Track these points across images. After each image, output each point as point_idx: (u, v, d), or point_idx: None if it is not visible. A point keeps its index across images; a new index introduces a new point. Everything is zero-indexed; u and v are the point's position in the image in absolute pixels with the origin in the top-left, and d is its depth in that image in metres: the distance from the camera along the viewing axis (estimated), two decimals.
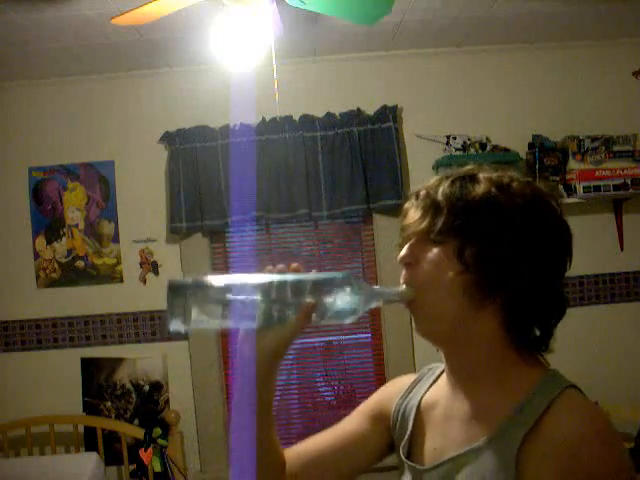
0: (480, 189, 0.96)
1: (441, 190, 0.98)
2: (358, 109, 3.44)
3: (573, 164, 3.37)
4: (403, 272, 1.03)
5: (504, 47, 3.49)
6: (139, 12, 2.12)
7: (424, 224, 0.98)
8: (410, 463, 1.10)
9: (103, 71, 3.46)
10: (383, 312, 3.51)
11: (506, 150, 3.42)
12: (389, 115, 3.41)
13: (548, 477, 0.88)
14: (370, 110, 3.44)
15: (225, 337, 3.52)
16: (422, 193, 1.01)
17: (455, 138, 3.43)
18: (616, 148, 3.41)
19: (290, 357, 3.68)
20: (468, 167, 1.03)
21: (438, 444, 1.05)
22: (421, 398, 1.16)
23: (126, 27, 2.67)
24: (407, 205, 1.05)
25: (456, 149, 3.42)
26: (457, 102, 3.51)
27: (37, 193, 3.51)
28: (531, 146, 3.43)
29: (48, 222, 3.51)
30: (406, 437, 1.13)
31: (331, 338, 3.63)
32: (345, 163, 3.38)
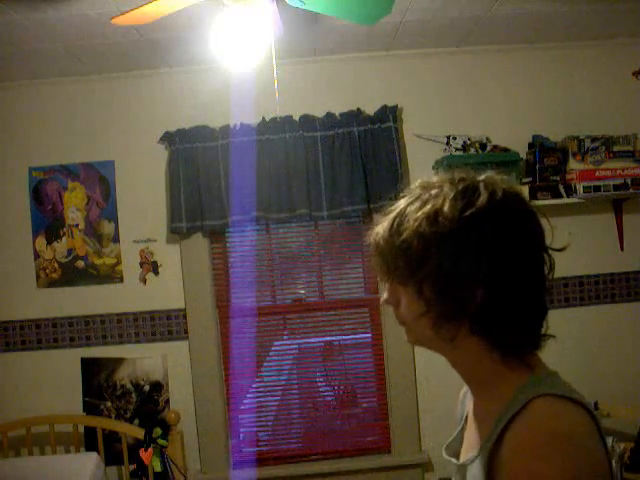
0: (409, 228, 0.99)
1: (379, 234, 1.05)
2: (358, 109, 3.44)
3: (573, 164, 3.37)
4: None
5: (504, 47, 3.49)
6: (139, 12, 2.12)
7: (382, 272, 1.06)
8: (450, 459, 1.19)
9: (103, 71, 3.46)
10: (383, 312, 3.51)
11: (506, 150, 3.42)
12: (389, 115, 3.41)
13: None
14: (370, 110, 3.44)
15: (225, 337, 3.53)
16: (372, 239, 1.06)
17: (455, 138, 3.43)
18: (616, 148, 3.40)
19: (291, 357, 3.69)
20: (407, 196, 1.08)
21: (465, 442, 1.16)
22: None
23: (126, 27, 2.67)
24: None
25: (456, 149, 3.42)
26: (457, 102, 3.51)
27: (37, 193, 3.51)
28: (531, 146, 3.44)
29: (48, 222, 3.51)
30: (453, 436, 1.23)
31: (331, 338, 3.62)
32: (345, 163, 3.38)
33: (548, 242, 1.03)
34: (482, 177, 1.02)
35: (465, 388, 1.24)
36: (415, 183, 1.10)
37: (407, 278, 1.01)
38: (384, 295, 1.08)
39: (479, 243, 0.96)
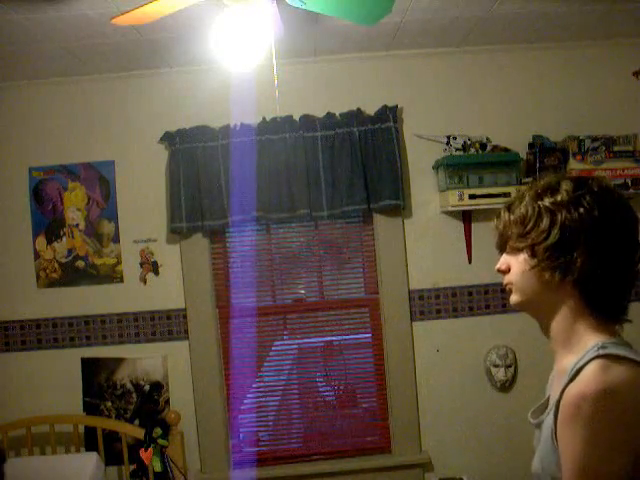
0: (526, 205, 1.26)
1: (502, 215, 1.32)
2: (358, 109, 3.44)
3: (573, 164, 3.37)
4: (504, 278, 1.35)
5: (504, 47, 3.49)
6: (139, 12, 2.11)
7: (502, 244, 1.34)
8: (529, 419, 1.35)
9: (103, 71, 3.46)
10: (383, 312, 3.51)
11: (506, 150, 3.42)
12: (389, 115, 3.41)
13: (559, 435, 1.16)
14: (370, 110, 3.44)
15: (225, 337, 3.53)
16: (495, 220, 1.35)
17: (455, 138, 3.43)
18: (616, 148, 3.40)
19: (291, 357, 3.69)
20: (525, 188, 1.32)
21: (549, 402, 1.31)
22: None
23: (126, 27, 2.67)
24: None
25: (456, 149, 3.42)
26: (457, 102, 3.51)
27: (37, 193, 3.51)
28: (531, 146, 3.43)
29: (48, 222, 3.51)
30: (537, 404, 1.37)
31: (331, 338, 3.62)
32: (345, 163, 3.38)
33: None
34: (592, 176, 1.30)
35: (551, 375, 1.42)
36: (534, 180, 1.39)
37: (522, 241, 1.26)
38: (498, 264, 1.35)
39: (587, 215, 1.19)
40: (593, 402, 1.08)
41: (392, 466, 3.48)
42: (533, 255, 1.24)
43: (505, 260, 1.33)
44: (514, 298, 1.32)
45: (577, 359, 1.18)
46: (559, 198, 1.22)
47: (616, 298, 1.23)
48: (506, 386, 3.48)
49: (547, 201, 1.23)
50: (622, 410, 1.09)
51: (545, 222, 1.22)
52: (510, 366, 3.44)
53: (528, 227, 1.24)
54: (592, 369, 1.13)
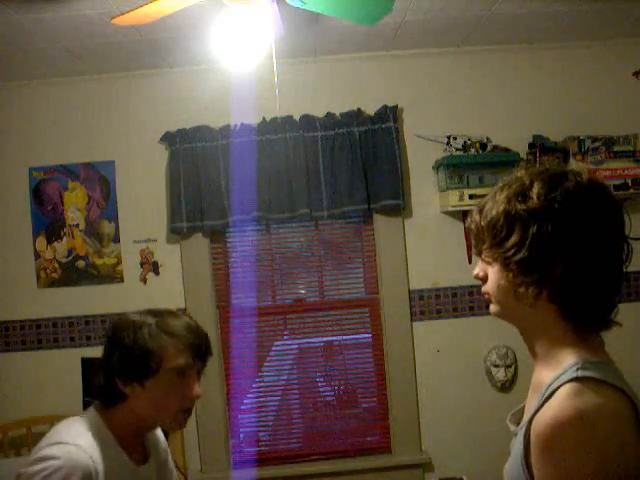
0: (497, 208, 1.13)
1: (474, 217, 1.19)
2: (358, 109, 3.44)
3: (574, 164, 3.37)
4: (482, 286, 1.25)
5: (504, 47, 3.49)
6: (139, 12, 2.12)
7: (475, 250, 1.23)
8: (508, 424, 1.26)
9: (103, 71, 3.46)
10: (383, 312, 3.51)
11: (506, 150, 3.42)
12: (389, 115, 3.41)
13: (532, 464, 1.05)
14: (370, 110, 3.44)
15: (225, 337, 3.53)
16: (468, 222, 1.23)
17: (455, 138, 3.43)
18: (616, 148, 3.41)
19: (291, 357, 3.69)
20: (499, 184, 1.18)
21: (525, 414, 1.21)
22: None
23: (126, 27, 2.67)
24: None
25: (456, 149, 3.42)
26: (457, 102, 3.51)
27: (37, 193, 3.51)
28: (531, 146, 3.43)
29: (48, 222, 3.51)
30: (518, 407, 1.28)
31: (331, 338, 3.62)
32: (345, 163, 3.38)
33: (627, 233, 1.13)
34: (569, 167, 1.17)
35: (532, 380, 1.34)
36: (504, 177, 1.21)
37: (494, 252, 1.14)
38: (475, 270, 1.24)
39: (562, 223, 1.07)
40: (567, 431, 0.98)
41: (392, 466, 3.48)
42: (506, 268, 1.12)
43: (482, 267, 1.22)
44: (493, 309, 1.23)
45: (554, 376, 1.08)
46: (531, 204, 1.08)
47: (597, 308, 1.11)
48: (506, 386, 3.48)
49: (519, 207, 1.09)
50: (600, 440, 0.97)
51: (516, 235, 1.09)
52: (510, 366, 3.44)
53: (499, 237, 1.12)
54: (566, 393, 1.02)
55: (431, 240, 3.51)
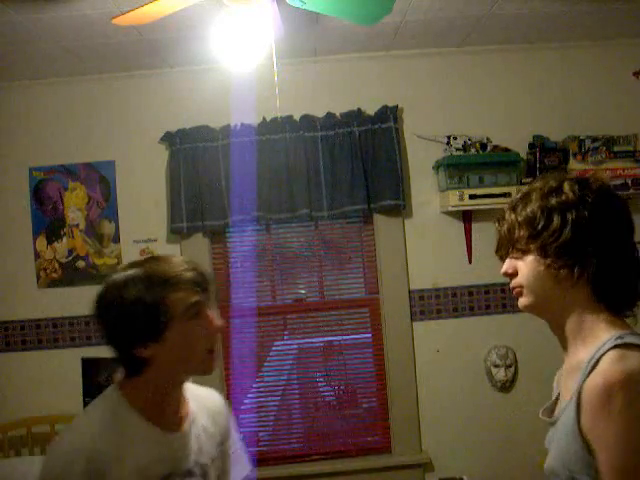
0: (534, 204, 1.27)
1: (506, 217, 1.32)
2: (359, 109, 3.44)
3: (574, 164, 3.37)
4: (510, 281, 1.35)
5: (504, 47, 3.49)
6: (139, 12, 2.12)
7: (506, 246, 1.33)
8: (542, 417, 1.37)
9: (104, 71, 3.46)
10: (384, 312, 3.51)
11: (507, 150, 3.42)
12: (389, 115, 3.41)
13: (589, 428, 1.15)
14: (371, 110, 3.44)
15: (225, 337, 3.52)
16: (497, 223, 1.35)
17: (456, 138, 3.43)
18: (617, 148, 3.41)
19: (291, 357, 3.69)
20: (524, 188, 1.34)
21: (558, 403, 1.35)
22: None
23: (127, 27, 2.67)
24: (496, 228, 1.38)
25: (457, 149, 3.42)
26: (458, 102, 3.51)
27: (38, 193, 3.51)
28: (532, 146, 3.43)
29: (49, 222, 3.51)
30: (547, 403, 1.39)
31: (332, 338, 3.62)
32: (346, 163, 3.38)
33: None
34: (589, 174, 1.34)
35: (558, 372, 1.42)
36: (533, 182, 1.36)
37: (530, 244, 1.27)
38: (503, 267, 1.34)
39: (594, 212, 1.23)
40: (621, 390, 1.10)
41: (392, 466, 3.48)
42: (545, 255, 1.25)
43: (511, 263, 1.33)
44: (525, 300, 1.32)
45: (594, 349, 1.19)
46: (564, 198, 1.25)
47: (626, 292, 1.26)
48: (506, 386, 3.48)
49: (554, 201, 1.25)
50: None
51: (556, 222, 1.24)
52: (510, 366, 3.44)
53: (539, 227, 1.25)
54: (612, 357, 1.14)
55: (431, 240, 3.51)
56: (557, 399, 1.37)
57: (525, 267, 1.29)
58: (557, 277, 1.25)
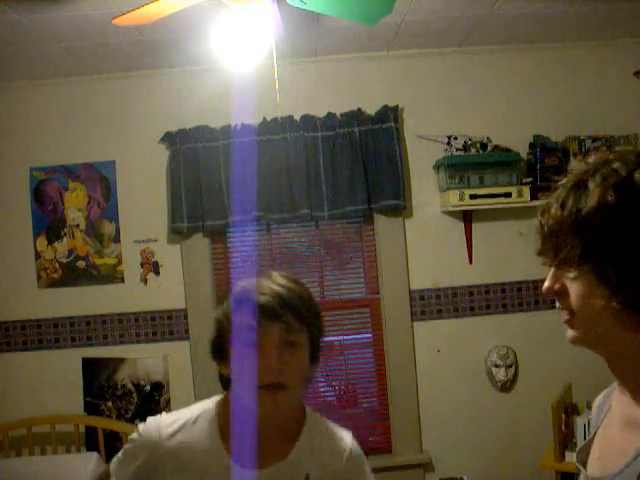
0: (592, 200, 0.86)
1: (553, 212, 0.91)
2: (359, 109, 3.44)
3: (574, 164, 3.37)
4: (556, 300, 0.97)
5: (505, 47, 3.49)
6: (140, 12, 2.12)
7: (551, 253, 0.93)
8: (581, 468, 1.03)
9: (104, 71, 3.46)
10: (384, 312, 3.51)
11: (507, 150, 3.42)
12: (390, 115, 3.40)
13: None
14: (371, 110, 3.44)
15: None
16: (539, 217, 0.95)
17: (456, 138, 3.43)
18: (617, 148, 3.40)
19: None
20: (576, 171, 0.93)
21: (599, 448, 1.01)
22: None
23: (127, 27, 2.67)
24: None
25: (457, 149, 3.42)
26: (458, 102, 3.51)
27: (38, 193, 3.51)
28: (532, 146, 3.43)
29: (49, 222, 3.51)
30: (585, 441, 1.07)
31: (332, 338, 3.62)
32: (346, 163, 3.38)
33: None
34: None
35: (600, 398, 1.12)
36: (589, 159, 0.95)
37: (585, 259, 0.87)
38: (546, 283, 0.95)
39: None
40: None
41: (393, 466, 3.48)
42: (606, 281, 0.86)
43: (558, 277, 0.94)
44: (576, 334, 0.95)
45: None
46: (638, 194, 0.85)
47: None
48: (507, 386, 3.48)
49: (619, 197, 0.84)
50: None
51: (624, 233, 0.83)
52: (511, 366, 3.44)
53: (596, 240, 0.85)
54: None
55: (432, 240, 3.51)
56: (592, 439, 1.05)
57: (576, 290, 0.91)
58: (619, 315, 0.86)
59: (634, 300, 0.85)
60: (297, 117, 3.43)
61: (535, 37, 3.40)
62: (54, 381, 3.48)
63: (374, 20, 2.37)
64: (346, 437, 1.48)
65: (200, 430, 1.33)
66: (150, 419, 1.36)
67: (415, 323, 3.51)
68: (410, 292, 3.51)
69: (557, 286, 0.93)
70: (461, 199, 3.27)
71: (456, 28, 3.19)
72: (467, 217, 3.49)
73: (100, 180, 3.51)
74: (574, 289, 0.91)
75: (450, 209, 3.34)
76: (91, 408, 3.47)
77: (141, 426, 1.36)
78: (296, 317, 1.27)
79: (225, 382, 1.37)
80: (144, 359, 3.50)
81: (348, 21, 2.54)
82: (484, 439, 3.47)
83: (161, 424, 1.34)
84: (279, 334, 1.25)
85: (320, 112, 3.44)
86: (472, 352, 3.49)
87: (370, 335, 3.61)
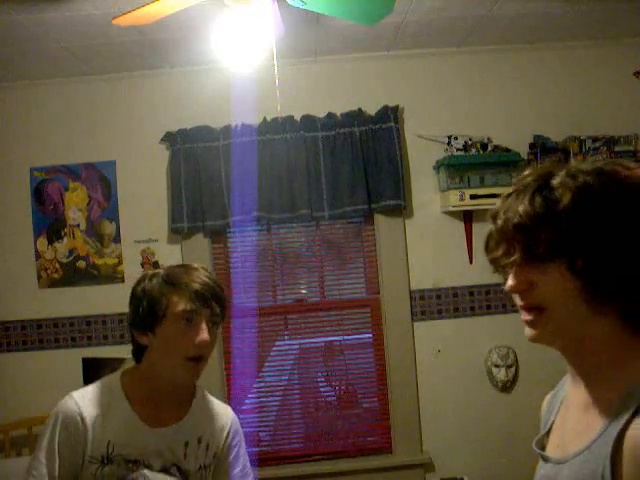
0: (566, 198, 0.92)
1: (522, 210, 0.95)
2: (359, 109, 3.44)
3: (572, 164, 3.36)
4: (518, 299, 1.00)
5: (505, 47, 3.49)
6: (140, 12, 2.12)
7: (515, 251, 0.96)
8: (538, 451, 1.09)
9: (104, 71, 3.46)
10: (384, 312, 3.51)
11: (507, 150, 3.42)
12: (390, 115, 3.41)
13: None
14: (371, 110, 3.44)
15: (226, 337, 3.52)
16: (499, 221, 0.98)
17: (456, 138, 3.43)
18: (617, 148, 3.40)
19: (292, 357, 3.68)
20: (527, 175, 1.00)
21: (558, 435, 1.07)
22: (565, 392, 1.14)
23: (127, 27, 2.67)
24: (488, 235, 1.03)
25: (457, 149, 3.42)
26: (458, 102, 3.51)
27: (38, 193, 3.51)
28: (532, 146, 3.43)
29: (49, 222, 3.51)
30: (540, 435, 1.13)
31: (332, 338, 3.62)
32: (346, 163, 3.38)
33: None
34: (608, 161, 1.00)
35: (549, 396, 1.21)
36: (540, 165, 1.03)
37: (555, 252, 0.92)
38: (509, 281, 0.98)
39: (637, 218, 0.91)
40: None
41: (393, 466, 3.48)
42: (573, 268, 0.91)
43: (524, 275, 0.97)
44: (537, 332, 0.99)
45: (631, 388, 0.92)
46: (609, 186, 0.91)
47: None
48: (507, 386, 3.48)
49: (596, 191, 0.91)
50: None
51: (591, 222, 0.90)
52: (511, 366, 3.44)
53: (568, 232, 0.91)
54: None
55: (432, 240, 3.51)
56: (550, 430, 1.12)
57: (548, 283, 0.95)
58: (586, 301, 0.92)
59: (603, 288, 0.91)
60: (297, 117, 3.43)
61: (535, 37, 3.40)
62: (54, 381, 3.47)
63: (374, 20, 2.37)
64: (228, 410, 1.76)
65: (110, 398, 1.58)
66: (65, 397, 1.62)
67: (415, 323, 3.51)
68: (410, 292, 3.51)
69: (522, 283, 0.96)
70: (461, 199, 3.27)
71: (456, 28, 3.19)
72: (467, 217, 3.49)
73: (100, 180, 3.51)
74: (545, 283, 0.95)
75: (450, 209, 3.34)
76: None
77: (59, 404, 1.60)
78: (219, 304, 1.57)
79: (139, 353, 1.63)
80: None
81: (348, 21, 2.54)
82: (484, 439, 3.47)
83: (75, 398, 1.59)
84: (209, 316, 1.54)
85: (320, 112, 3.44)
86: (472, 352, 3.49)
87: (370, 335, 3.61)
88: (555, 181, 0.95)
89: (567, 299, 0.93)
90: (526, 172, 1.01)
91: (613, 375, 0.96)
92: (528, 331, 1.00)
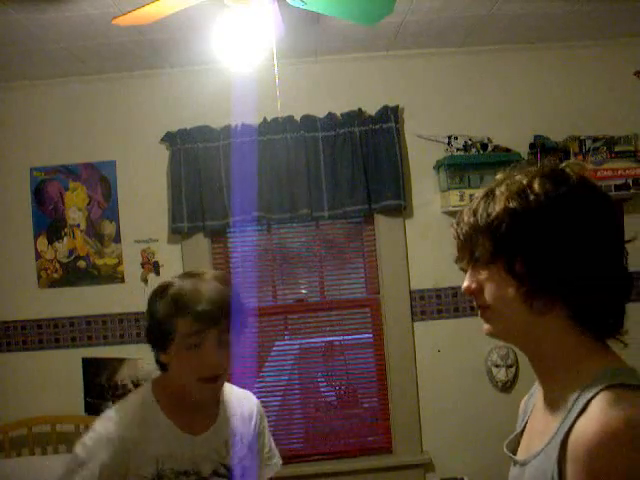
0: (498, 206, 1.02)
1: (466, 220, 1.07)
2: (359, 109, 3.44)
3: None
4: (474, 299, 1.11)
5: (505, 47, 3.49)
6: (140, 12, 2.12)
7: (465, 258, 1.08)
8: (508, 453, 1.18)
9: (104, 71, 3.46)
10: (385, 312, 3.51)
11: (507, 150, 3.42)
12: (390, 115, 3.41)
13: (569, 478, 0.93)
14: (371, 110, 3.44)
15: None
16: (454, 227, 1.10)
17: (456, 138, 3.43)
18: (617, 148, 3.40)
19: (292, 357, 3.69)
20: (490, 184, 1.10)
21: (527, 436, 1.15)
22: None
23: (127, 27, 2.67)
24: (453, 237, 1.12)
25: (457, 149, 3.42)
26: (458, 102, 3.51)
27: (38, 193, 3.51)
28: (532, 146, 3.43)
29: (49, 222, 3.51)
30: (513, 435, 1.21)
31: (332, 338, 3.62)
32: (346, 163, 3.38)
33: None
34: (565, 163, 1.07)
35: (526, 397, 1.26)
36: (496, 176, 1.13)
37: (495, 257, 1.03)
38: (465, 283, 1.09)
39: (569, 220, 0.99)
40: (621, 440, 0.88)
41: (393, 466, 3.48)
42: (512, 273, 1.01)
43: (474, 277, 1.08)
44: (491, 328, 1.11)
45: (581, 388, 0.97)
46: (535, 200, 1.00)
47: (612, 314, 1.03)
48: (507, 386, 3.48)
49: (522, 203, 1.01)
50: None
51: (524, 230, 0.99)
52: (511, 366, 3.44)
53: (504, 237, 1.01)
54: (606, 401, 0.92)
55: (432, 240, 3.51)
56: (523, 430, 1.19)
57: (489, 284, 1.05)
58: (528, 302, 1.01)
59: (539, 286, 1.00)
60: (297, 117, 3.43)
61: (535, 37, 3.40)
62: (54, 381, 3.48)
63: (374, 20, 2.37)
64: (249, 396, 1.77)
65: (146, 413, 1.54)
66: (101, 420, 1.53)
67: (415, 323, 3.51)
68: (410, 292, 3.51)
69: (474, 285, 1.08)
70: (462, 199, 3.27)
71: (456, 28, 3.19)
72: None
73: (100, 180, 3.51)
74: (487, 284, 1.06)
75: (451, 209, 3.34)
76: (91, 408, 3.47)
77: (97, 428, 1.50)
78: (231, 318, 1.50)
79: (163, 365, 1.57)
80: (144, 359, 3.49)
81: (348, 21, 2.54)
82: (484, 439, 3.46)
83: (112, 419, 1.51)
84: (218, 335, 1.48)
85: (320, 112, 3.44)
86: (472, 352, 3.49)
87: (370, 335, 3.61)
88: (497, 190, 1.06)
89: (508, 299, 1.03)
90: (491, 183, 1.12)
91: (567, 376, 1.02)
92: (484, 326, 1.12)
